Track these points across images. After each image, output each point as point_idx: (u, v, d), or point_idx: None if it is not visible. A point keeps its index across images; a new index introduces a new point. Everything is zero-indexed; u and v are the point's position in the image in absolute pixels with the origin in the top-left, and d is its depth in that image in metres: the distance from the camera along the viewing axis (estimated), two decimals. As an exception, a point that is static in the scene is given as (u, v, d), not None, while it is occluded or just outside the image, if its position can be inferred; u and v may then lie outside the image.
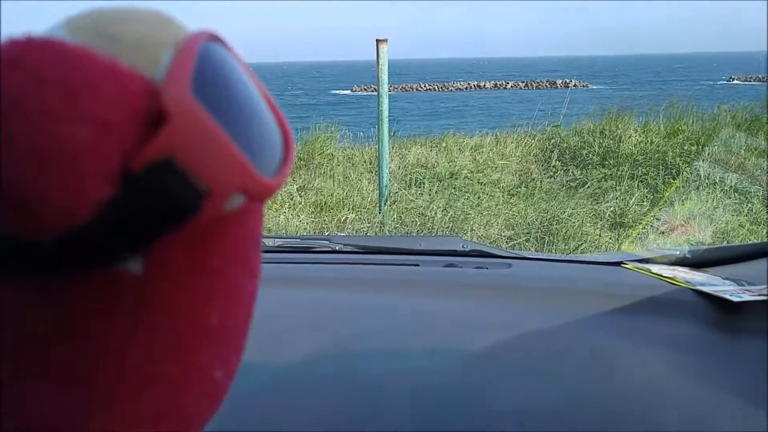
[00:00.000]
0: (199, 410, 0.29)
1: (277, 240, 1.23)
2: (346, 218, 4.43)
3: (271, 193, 0.25)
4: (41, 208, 0.20)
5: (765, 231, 4.01)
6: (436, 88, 44.20)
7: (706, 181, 4.34)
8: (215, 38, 0.26)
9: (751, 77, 44.22)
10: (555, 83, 44.29)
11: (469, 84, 45.94)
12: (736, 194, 4.47)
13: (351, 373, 0.73)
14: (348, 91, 41.82)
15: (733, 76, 46.56)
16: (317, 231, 4.24)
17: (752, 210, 4.29)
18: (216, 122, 0.23)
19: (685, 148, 5.76)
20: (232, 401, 0.63)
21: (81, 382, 0.25)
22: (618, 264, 1.08)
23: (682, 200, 3.84)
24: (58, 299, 0.24)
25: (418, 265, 1.11)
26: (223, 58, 0.26)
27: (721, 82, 41.35)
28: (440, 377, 0.72)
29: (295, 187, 5.00)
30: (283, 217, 4.38)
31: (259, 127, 0.26)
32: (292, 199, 4.78)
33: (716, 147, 4.81)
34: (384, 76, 4.37)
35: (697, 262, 1.05)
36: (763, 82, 34.22)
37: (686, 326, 0.84)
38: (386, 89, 4.41)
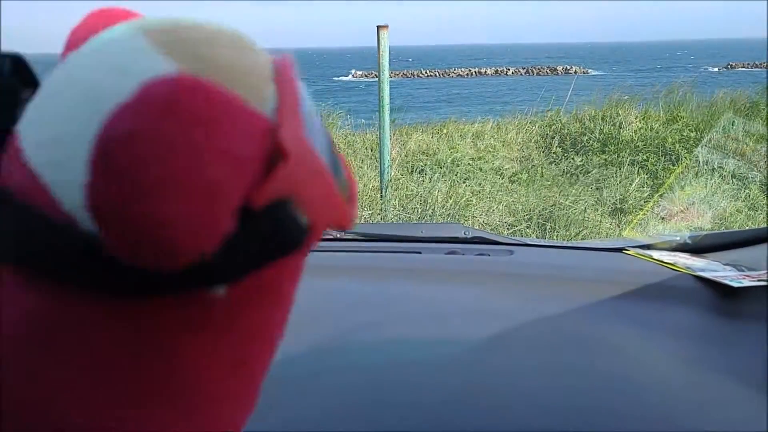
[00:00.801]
0: (241, 422, 0.30)
1: None
2: (348, 205, 4.40)
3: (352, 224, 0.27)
4: (182, 242, 0.20)
5: (763, 216, 4.01)
6: (438, 74, 44.00)
7: (705, 167, 4.33)
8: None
9: (748, 63, 44.01)
10: (556, 69, 44.06)
11: (470, 70, 45.66)
12: (734, 180, 4.46)
13: (353, 362, 0.73)
14: (350, 77, 41.51)
15: (731, 63, 46.26)
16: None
17: (750, 196, 4.30)
18: (324, 161, 0.24)
19: (685, 134, 5.76)
20: None
21: (163, 399, 0.25)
22: (619, 250, 1.09)
23: (682, 186, 3.84)
24: (149, 317, 0.24)
25: (419, 252, 1.11)
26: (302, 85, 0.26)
27: (720, 69, 41.10)
28: (442, 364, 0.72)
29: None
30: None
31: (334, 155, 0.26)
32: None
33: (715, 133, 4.81)
34: (385, 62, 4.35)
35: (698, 247, 1.06)
36: (762, 68, 34.02)
37: (687, 312, 0.84)
38: (387, 75, 4.39)
